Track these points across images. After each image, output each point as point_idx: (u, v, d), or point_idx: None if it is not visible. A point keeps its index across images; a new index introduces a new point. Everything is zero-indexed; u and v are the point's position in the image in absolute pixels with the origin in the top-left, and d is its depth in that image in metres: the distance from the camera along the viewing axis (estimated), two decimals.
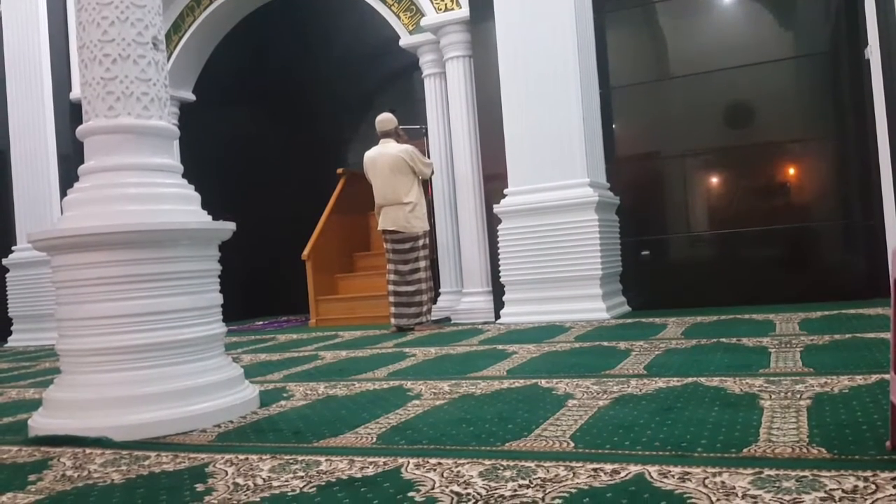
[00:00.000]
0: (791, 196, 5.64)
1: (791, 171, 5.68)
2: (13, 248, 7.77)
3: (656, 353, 3.44)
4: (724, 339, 3.68)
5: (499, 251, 5.65)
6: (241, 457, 2.11)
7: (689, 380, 2.67)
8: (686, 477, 1.58)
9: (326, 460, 2.00)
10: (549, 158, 5.47)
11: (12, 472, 2.16)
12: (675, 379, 2.71)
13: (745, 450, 1.76)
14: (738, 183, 5.79)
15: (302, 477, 1.86)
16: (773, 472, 1.56)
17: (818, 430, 1.89)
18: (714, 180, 5.92)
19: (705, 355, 3.28)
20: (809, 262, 5.48)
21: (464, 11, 6.08)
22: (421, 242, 5.68)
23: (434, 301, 6.13)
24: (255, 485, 1.83)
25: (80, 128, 2.81)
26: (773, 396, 2.32)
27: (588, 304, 5.28)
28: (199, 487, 1.85)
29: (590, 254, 5.31)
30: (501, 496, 1.57)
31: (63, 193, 7.18)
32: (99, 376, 2.60)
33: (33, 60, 7.66)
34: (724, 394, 2.41)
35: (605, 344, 3.88)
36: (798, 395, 2.31)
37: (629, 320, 5.03)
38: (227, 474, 1.95)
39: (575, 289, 5.35)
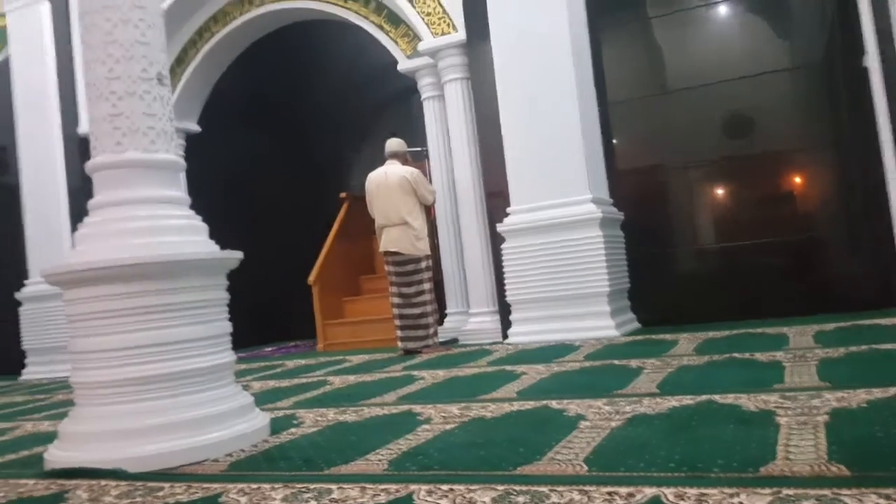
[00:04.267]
0: (795, 205, 5.60)
1: (794, 180, 5.65)
2: (25, 282, 7.78)
3: (668, 370, 3.38)
4: (736, 355, 3.61)
5: (504, 270, 5.60)
6: (254, 486, 2.08)
7: (703, 397, 2.62)
8: (703, 499, 1.54)
9: (338, 488, 1.97)
10: (551, 176, 5.44)
11: None
12: (688, 397, 2.66)
13: (762, 469, 1.72)
14: (741, 194, 5.76)
15: None
16: (791, 492, 1.52)
17: (836, 446, 1.85)
18: (717, 192, 5.88)
19: (718, 372, 3.22)
20: (817, 272, 5.42)
21: (460, 35, 6.10)
22: (423, 265, 5.62)
23: (440, 322, 6.10)
24: None
25: (88, 163, 2.83)
26: (789, 413, 2.27)
27: (597, 321, 5.21)
28: None
29: (596, 271, 5.24)
30: None
31: (74, 227, 7.21)
32: (112, 408, 2.60)
33: (42, 97, 7.71)
34: (739, 411, 2.37)
35: (616, 362, 3.83)
36: (815, 411, 2.26)
37: (639, 337, 4.97)
38: None
39: (583, 306, 5.27)
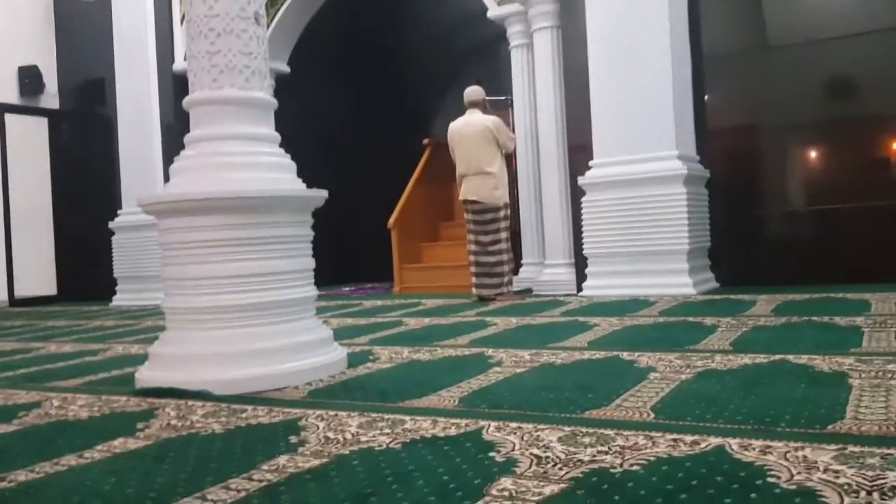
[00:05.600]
0: (894, 172, 5.38)
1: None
2: (119, 211, 8.19)
3: (743, 329, 3.37)
4: (815, 318, 3.57)
5: (582, 223, 5.63)
6: (332, 413, 2.21)
7: (777, 357, 2.61)
8: (767, 450, 1.58)
9: (411, 419, 2.07)
10: (637, 130, 5.39)
11: (122, 420, 2.32)
12: (761, 356, 2.66)
13: (829, 426, 1.74)
14: (840, 157, 5.55)
15: (388, 434, 1.95)
16: (857, 449, 1.54)
17: None
18: (813, 154, 5.70)
19: (795, 333, 3.21)
20: None
21: None
22: (502, 213, 5.67)
23: (515, 272, 6.16)
24: (345, 439, 1.93)
25: (186, 98, 2.94)
26: (862, 375, 2.26)
27: (674, 278, 5.21)
28: (293, 439, 1.95)
29: (677, 227, 5.22)
30: (580, 461, 1.61)
31: (166, 161, 7.53)
32: (201, 333, 2.75)
33: (139, 34, 7.99)
34: (813, 372, 2.37)
35: (691, 319, 3.83)
36: (889, 375, 2.24)
37: (717, 296, 4.94)
38: (318, 428, 2.05)
39: (660, 263, 5.28)
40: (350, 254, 8.99)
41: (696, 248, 5.39)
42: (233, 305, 2.73)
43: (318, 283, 3.11)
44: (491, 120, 5.70)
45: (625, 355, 2.87)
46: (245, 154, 2.86)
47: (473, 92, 5.86)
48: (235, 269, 2.73)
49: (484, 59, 8.72)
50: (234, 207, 2.72)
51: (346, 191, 8.63)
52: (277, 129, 3.05)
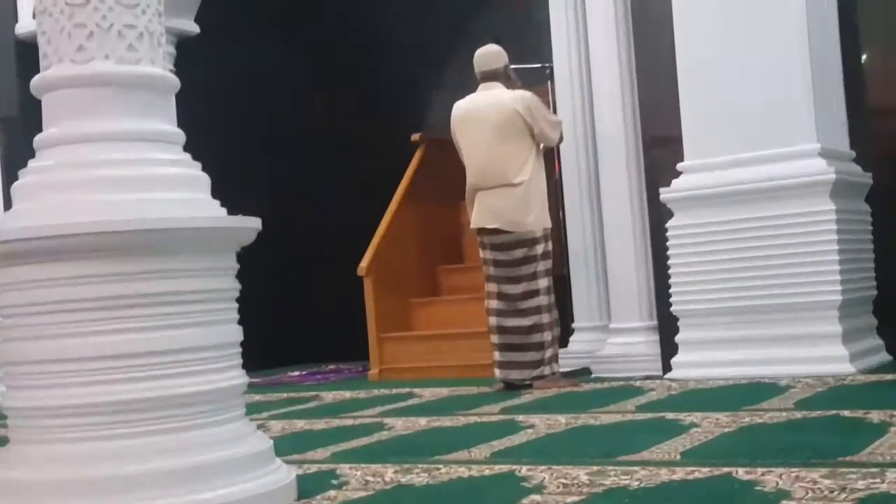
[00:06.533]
0: None
1: None
2: None
3: None
4: None
5: (669, 262, 5.62)
6: None
7: None
8: None
9: None
10: (753, 113, 5.41)
11: None
12: None
13: None
14: None
15: None
16: None
17: None
18: None
19: None
20: None
21: None
22: (541, 249, 5.63)
23: (563, 343, 6.14)
24: None
25: (36, 78, 2.92)
26: None
27: (818, 348, 5.19)
28: None
29: (822, 267, 5.19)
30: None
31: (6, 175, 7.53)
32: (64, 447, 2.69)
33: None
34: None
35: (846, 414, 3.80)
36: None
37: (888, 376, 4.91)
38: None
39: (796, 325, 5.26)
40: (301, 317, 8.95)
41: (854, 299, 5.37)
42: (111, 402, 2.67)
43: (251, 365, 3.10)
44: (519, 97, 5.67)
45: (741, 473, 2.83)
46: (129, 164, 2.82)
47: (490, 56, 5.84)
48: (112, 346, 2.67)
49: (505, 7, 8.76)
50: (108, 249, 2.68)
51: (292, 216, 8.62)
52: (182, 121, 3.05)
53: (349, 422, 4.84)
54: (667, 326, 5.76)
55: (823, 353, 5.17)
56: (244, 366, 3.03)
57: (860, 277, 5.47)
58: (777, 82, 5.39)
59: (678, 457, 3.23)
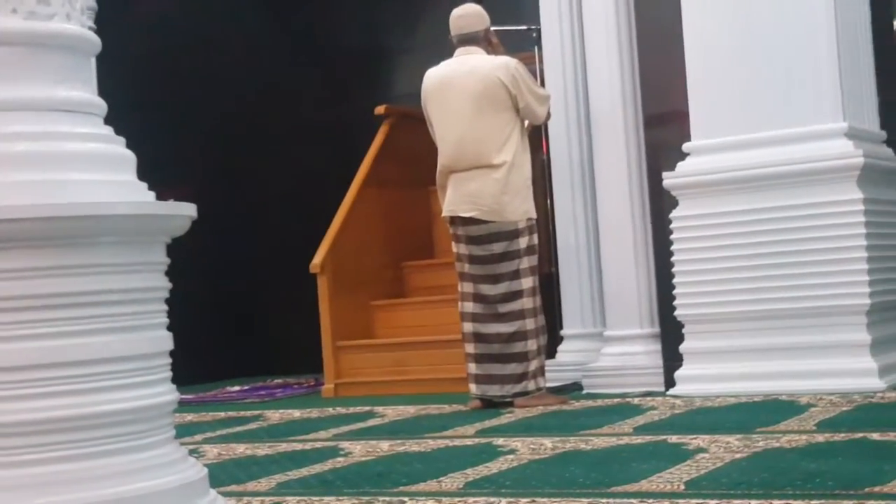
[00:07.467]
0: None
1: None
2: None
3: None
4: None
5: (673, 259, 5.60)
6: None
7: None
8: None
9: None
10: (769, 87, 5.44)
11: None
12: None
13: None
14: None
15: None
16: None
17: None
18: None
19: None
20: None
21: None
22: (524, 243, 5.58)
23: (550, 353, 6.11)
24: None
25: None
26: None
27: (843, 361, 5.19)
28: None
29: (847, 266, 5.20)
30: None
31: None
32: None
33: None
34: None
35: (875, 437, 3.80)
36: None
37: None
38: None
39: (818, 333, 5.27)
40: (243, 324, 8.91)
41: (885, 303, 5.37)
42: (16, 423, 2.52)
43: (184, 379, 2.98)
44: (502, 64, 5.60)
45: None
46: (37, 137, 2.61)
47: (469, 17, 5.78)
48: (18, 356, 2.44)
49: None
50: (13, 239, 2.51)
51: (233, 202, 8.58)
52: (105, 90, 2.99)
53: (298, 446, 4.81)
54: (670, 334, 5.75)
55: (849, 366, 5.18)
56: (174, 380, 2.88)
57: (892, 279, 5.43)
58: (798, 51, 5.38)
59: (682, 487, 3.23)
